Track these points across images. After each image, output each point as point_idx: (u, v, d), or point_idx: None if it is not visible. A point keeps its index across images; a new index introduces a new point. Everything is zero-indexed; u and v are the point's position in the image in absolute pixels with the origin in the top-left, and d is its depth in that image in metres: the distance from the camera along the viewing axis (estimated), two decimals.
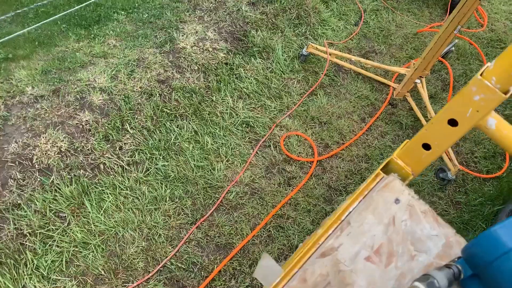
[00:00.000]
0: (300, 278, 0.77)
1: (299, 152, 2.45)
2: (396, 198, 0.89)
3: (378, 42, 3.43)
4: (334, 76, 3.00)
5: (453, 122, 0.81)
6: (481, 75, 0.76)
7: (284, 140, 2.49)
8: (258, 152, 2.40)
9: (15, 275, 1.75)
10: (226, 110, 2.54)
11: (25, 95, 2.16)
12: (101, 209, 1.98)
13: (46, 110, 2.12)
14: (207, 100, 2.52)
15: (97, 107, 2.21)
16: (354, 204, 0.88)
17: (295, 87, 2.84)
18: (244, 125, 2.51)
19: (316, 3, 3.44)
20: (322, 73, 2.94)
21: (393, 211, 0.86)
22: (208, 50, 2.73)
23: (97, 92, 2.26)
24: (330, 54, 2.91)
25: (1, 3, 2.58)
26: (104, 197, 2.01)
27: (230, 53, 2.80)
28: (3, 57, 2.30)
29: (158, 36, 2.68)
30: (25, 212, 1.84)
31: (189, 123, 2.39)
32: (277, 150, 2.44)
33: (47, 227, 1.87)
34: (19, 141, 1.99)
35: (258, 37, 2.98)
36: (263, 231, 2.08)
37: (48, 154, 1.99)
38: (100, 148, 2.09)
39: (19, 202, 1.85)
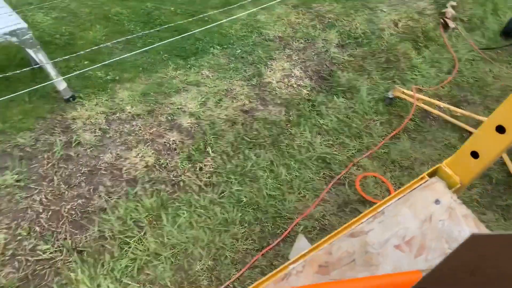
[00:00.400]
0: (326, 251, 0.77)
1: (375, 194, 2.38)
2: (436, 199, 0.87)
3: (472, 92, 3.27)
4: (421, 121, 2.90)
5: (501, 129, 0.79)
6: None
7: (360, 180, 2.44)
8: (332, 188, 2.38)
9: (93, 273, 1.89)
10: (304, 144, 2.57)
11: (124, 113, 2.41)
12: (175, 224, 2.09)
13: (140, 127, 2.34)
14: (286, 133, 2.59)
15: (185, 129, 2.38)
16: (393, 200, 0.87)
17: (377, 129, 2.79)
18: (320, 161, 2.51)
19: (407, 49, 3.41)
20: (407, 117, 2.86)
21: (431, 210, 0.85)
22: (293, 86, 2.82)
23: (186, 116, 2.44)
24: (417, 99, 2.83)
25: (115, 32, 2.94)
26: (180, 213, 2.12)
27: (314, 91, 2.86)
28: (111, 78, 2.60)
29: (247, 70, 2.84)
30: (109, 217, 2.01)
31: (266, 153, 2.46)
32: (352, 190, 2.39)
33: (126, 233, 2.01)
34: (113, 152, 2.21)
35: (343, 77, 3.02)
36: None
37: (136, 167, 2.17)
38: (183, 166, 2.23)
39: (105, 207, 2.03)
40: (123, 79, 2.64)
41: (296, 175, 2.41)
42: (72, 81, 2.55)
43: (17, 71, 2.46)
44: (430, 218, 0.83)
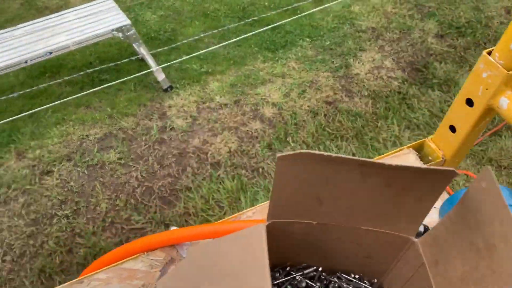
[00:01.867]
0: None
1: None
2: None
3: None
4: None
5: (469, 102, 0.78)
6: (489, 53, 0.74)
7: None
8: None
9: None
10: (390, 137, 2.48)
11: (213, 102, 2.58)
12: (253, 207, 2.19)
13: (226, 116, 2.49)
14: (371, 125, 2.52)
15: (267, 119, 2.47)
16: None
17: None
18: None
19: None
20: None
21: None
22: (382, 78, 2.74)
23: (269, 106, 2.53)
24: None
25: (212, 27, 3.14)
26: (258, 197, 2.22)
27: (406, 83, 2.74)
28: (205, 70, 2.80)
29: (334, 62, 2.83)
30: (193, 195, 2.18)
31: (349, 145, 2.43)
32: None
33: (208, 211, 2.17)
34: (201, 138, 2.39)
35: (440, 69, 2.83)
36: None
37: (220, 152, 2.32)
38: (263, 154, 2.33)
39: (190, 186, 2.21)
40: (215, 71, 2.82)
41: None
42: (171, 73, 2.80)
43: (125, 60, 2.79)
44: None
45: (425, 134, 2.52)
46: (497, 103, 0.73)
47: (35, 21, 2.47)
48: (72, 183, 2.18)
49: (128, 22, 2.33)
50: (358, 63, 2.82)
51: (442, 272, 0.49)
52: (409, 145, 0.93)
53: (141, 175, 2.23)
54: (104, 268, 0.69)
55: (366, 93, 2.66)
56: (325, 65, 2.79)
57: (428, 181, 0.46)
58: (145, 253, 0.72)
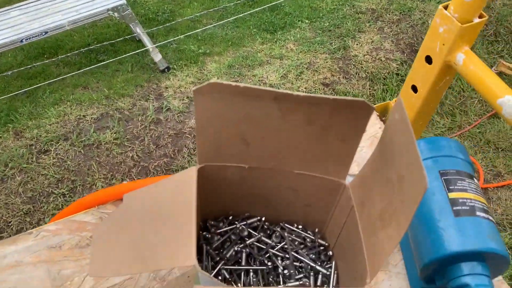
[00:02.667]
0: None
1: None
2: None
3: None
4: None
5: (428, 59, 0.77)
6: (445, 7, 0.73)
7: None
8: None
9: None
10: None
11: None
12: None
13: None
14: None
15: None
16: None
17: (474, 107, 2.55)
18: None
19: None
20: None
21: None
22: (381, 60, 2.71)
23: (267, 87, 2.52)
24: None
25: (210, 8, 3.12)
26: None
27: (404, 64, 2.71)
28: (202, 51, 2.79)
29: (333, 43, 2.80)
30: None
31: None
32: None
33: None
34: None
35: None
36: None
37: None
38: None
39: (186, 166, 2.22)
40: (213, 52, 2.80)
41: None
42: (169, 54, 2.79)
43: (121, 39, 2.78)
44: None
45: None
46: (454, 59, 0.72)
47: (30, 0, 2.46)
48: (68, 162, 2.19)
49: (124, 1, 2.32)
50: (357, 44, 2.80)
51: (366, 212, 0.49)
52: (375, 105, 0.92)
53: (137, 155, 2.24)
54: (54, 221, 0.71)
55: (364, 75, 2.64)
56: (323, 47, 2.77)
57: (348, 119, 0.45)
58: (96, 207, 0.73)
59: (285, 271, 0.58)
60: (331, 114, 0.45)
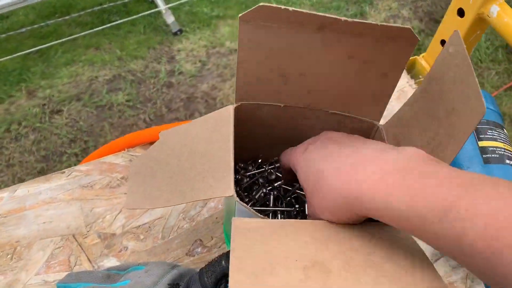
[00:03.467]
0: None
1: None
2: None
3: None
4: None
5: (460, 12, 0.75)
6: None
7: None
8: None
9: None
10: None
11: (223, 47, 2.54)
12: None
13: (235, 61, 2.45)
14: None
15: None
16: None
17: (491, 79, 2.50)
18: None
19: None
20: None
21: None
22: None
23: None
24: None
25: None
26: None
27: (422, 33, 2.65)
28: (216, 14, 2.74)
29: (349, 9, 2.73)
30: None
31: None
32: None
33: None
34: (209, 83, 2.37)
35: None
36: None
37: (229, 98, 2.31)
38: None
39: None
40: (227, 15, 2.75)
41: None
42: (181, 17, 2.75)
43: None
44: None
45: None
46: (488, 11, 0.70)
47: None
48: (81, 123, 2.20)
49: None
50: (374, 11, 2.72)
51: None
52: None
53: (149, 118, 2.25)
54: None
55: None
56: (339, 12, 2.70)
57: (391, 50, 0.43)
58: (126, 149, 0.74)
59: None
60: (375, 46, 0.43)
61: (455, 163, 0.59)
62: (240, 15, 0.40)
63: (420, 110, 0.45)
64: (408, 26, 0.40)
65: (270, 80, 0.47)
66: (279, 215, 0.58)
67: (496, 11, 0.70)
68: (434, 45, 0.86)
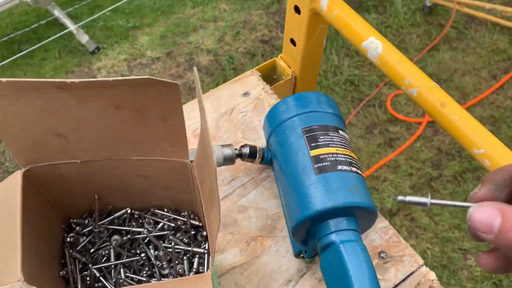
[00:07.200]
0: None
1: (408, 112, 2.23)
2: (246, 91, 0.80)
3: None
4: (464, 28, 2.60)
5: (297, 9, 0.75)
6: None
7: (391, 99, 2.29)
8: (360, 111, 2.27)
9: None
10: (330, 68, 2.45)
11: (144, 58, 2.45)
12: None
13: (159, 70, 2.37)
14: None
15: (203, 67, 2.38)
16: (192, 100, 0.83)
17: (413, 42, 2.56)
18: (348, 84, 2.39)
19: None
20: (446, 26, 2.58)
21: (235, 103, 0.79)
22: None
23: (204, 53, 2.42)
24: (458, 3, 2.52)
25: None
26: None
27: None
28: (132, 25, 2.64)
29: None
30: None
31: None
32: (382, 110, 2.26)
33: None
34: None
35: None
36: None
37: None
38: None
39: None
40: (143, 24, 2.66)
41: None
42: (96, 33, 2.62)
43: (42, 22, 2.59)
44: (232, 110, 0.78)
45: (364, 59, 2.49)
46: (319, 6, 0.69)
47: None
48: (7, 164, 2.06)
49: None
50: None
51: (203, 192, 0.49)
52: (259, 66, 0.87)
53: None
54: None
55: None
56: (256, 3, 2.67)
57: (157, 96, 0.43)
58: None
59: (157, 262, 0.55)
60: (136, 95, 0.41)
61: (291, 178, 0.57)
62: None
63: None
64: (146, 76, 0.40)
65: (49, 141, 0.45)
66: (121, 269, 0.55)
67: (326, 5, 0.68)
68: (286, 45, 0.83)
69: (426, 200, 0.39)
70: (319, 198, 0.53)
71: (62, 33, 2.44)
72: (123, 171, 0.53)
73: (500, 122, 2.13)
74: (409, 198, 0.39)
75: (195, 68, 0.40)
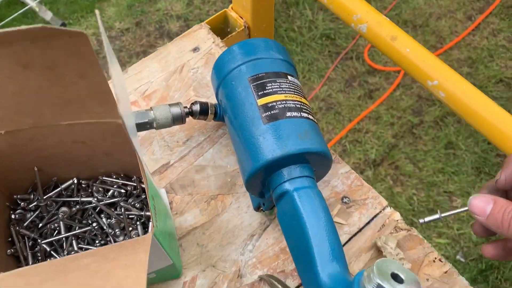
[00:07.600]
0: None
1: (386, 62, 2.19)
2: (196, 47, 0.77)
3: None
4: None
5: None
6: None
7: (368, 50, 2.25)
8: (338, 65, 2.23)
9: None
10: (305, 24, 2.38)
11: (113, 30, 2.37)
12: None
13: (130, 41, 2.30)
14: (283, 16, 2.40)
15: (175, 34, 2.30)
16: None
17: None
18: (324, 38, 2.33)
19: None
20: None
21: (185, 59, 0.75)
22: None
23: (174, 20, 2.34)
24: None
25: None
26: None
27: None
28: None
29: None
30: None
31: None
32: (360, 62, 2.22)
33: None
34: (107, 72, 2.22)
35: None
36: (338, 146, 1.97)
37: None
38: None
39: None
40: None
41: (299, 59, 2.28)
42: (60, 9, 2.52)
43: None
44: (182, 68, 0.74)
45: None
46: None
47: None
48: None
49: None
50: None
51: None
52: (209, 19, 0.83)
53: None
54: None
55: None
56: None
57: (67, 50, 0.39)
58: None
59: (110, 230, 0.53)
60: (42, 50, 0.38)
61: (240, 130, 0.54)
62: None
63: None
64: (41, 25, 0.35)
65: None
66: (74, 241, 0.53)
67: None
68: None
69: (438, 216, 0.49)
70: (269, 148, 0.51)
71: (22, 10, 2.33)
72: (57, 139, 0.50)
73: (478, 63, 2.11)
74: (427, 219, 0.49)
75: (96, 11, 0.36)
